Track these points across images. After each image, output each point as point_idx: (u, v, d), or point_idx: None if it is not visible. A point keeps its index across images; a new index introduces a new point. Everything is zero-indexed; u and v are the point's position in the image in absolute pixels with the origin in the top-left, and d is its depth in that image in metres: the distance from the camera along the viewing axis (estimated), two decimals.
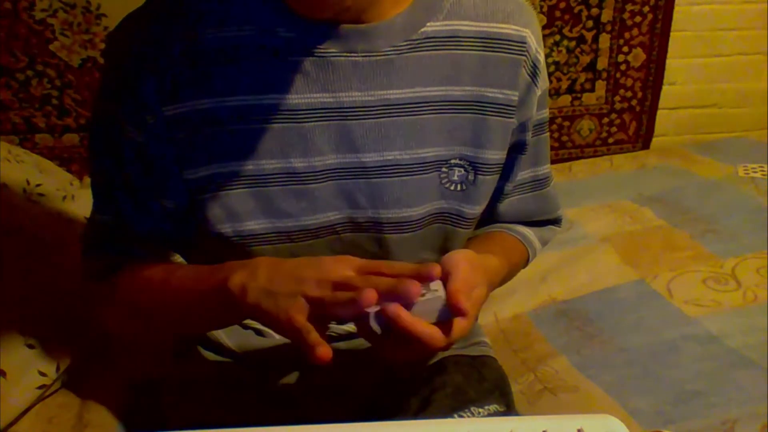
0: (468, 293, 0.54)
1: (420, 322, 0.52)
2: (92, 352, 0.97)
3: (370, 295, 0.51)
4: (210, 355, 0.77)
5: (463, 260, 0.57)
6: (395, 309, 0.51)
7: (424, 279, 0.54)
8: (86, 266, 0.71)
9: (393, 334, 0.53)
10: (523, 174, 0.74)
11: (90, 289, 0.72)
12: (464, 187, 0.68)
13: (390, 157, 0.64)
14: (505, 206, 0.75)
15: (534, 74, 0.68)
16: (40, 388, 0.87)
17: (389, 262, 0.57)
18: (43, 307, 0.95)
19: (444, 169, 0.67)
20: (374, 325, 0.53)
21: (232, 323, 0.71)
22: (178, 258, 0.77)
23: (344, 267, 0.55)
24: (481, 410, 0.73)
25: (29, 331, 0.90)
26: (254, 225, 0.64)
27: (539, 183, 0.77)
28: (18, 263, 0.98)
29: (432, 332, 0.53)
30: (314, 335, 0.53)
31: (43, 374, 0.87)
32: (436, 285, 0.55)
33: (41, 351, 0.89)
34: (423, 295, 0.54)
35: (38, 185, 1.17)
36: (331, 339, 0.72)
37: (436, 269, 0.54)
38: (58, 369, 0.90)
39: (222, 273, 0.58)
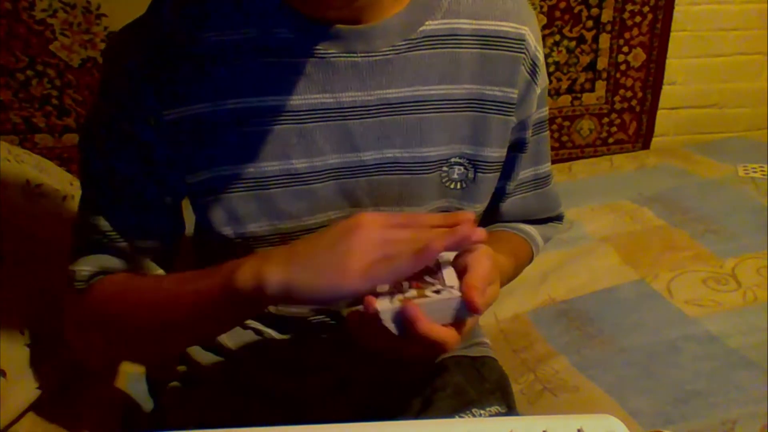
0: (483, 290, 0.53)
1: (436, 326, 0.51)
2: None
3: (439, 244, 0.51)
4: (209, 356, 0.77)
5: (484, 255, 0.55)
6: (414, 312, 0.50)
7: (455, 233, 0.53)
8: (71, 274, 0.66)
9: (407, 335, 0.52)
10: (524, 173, 0.74)
11: (67, 299, 0.68)
12: (464, 185, 0.68)
13: (389, 155, 0.64)
14: (507, 206, 0.75)
15: (533, 72, 0.68)
16: (40, 388, 0.87)
17: (413, 215, 0.57)
18: (43, 307, 0.95)
19: (444, 168, 0.67)
20: (391, 325, 0.52)
21: (239, 322, 0.67)
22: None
23: (374, 228, 0.53)
24: (482, 411, 0.73)
25: (29, 331, 0.90)
26: (256, 227, 0.64)
27: (541, 181, 0.77)
28: (18, 263, 0.98)
29: (447, 335, 0.52)
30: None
31: (43, 374, 0.87)
32: (451, 279, 0.54)
33: (41, 351, 0.89)
34: (438, 291, 0.53)
35: (38, 185, 1.16)
36: (330, 338, 0.73)
37: (468, 219, 0.54)
38: (58, 369, 0.89)
39: (222, 273, 0.56)
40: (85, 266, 0.65)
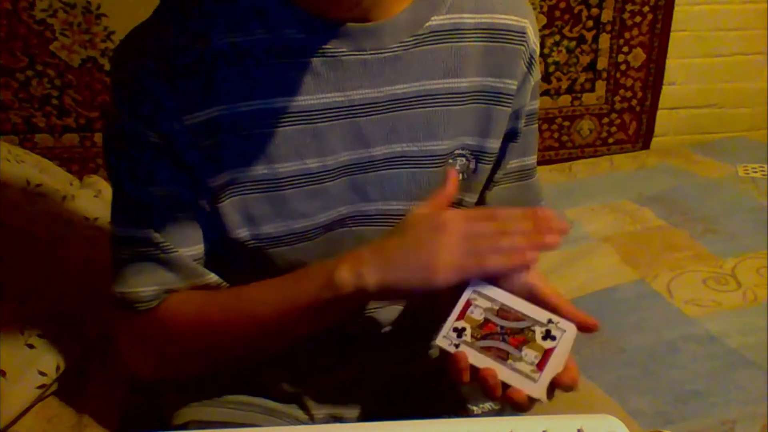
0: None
1: (575, 373, 0.55)
2: (92, 351, 0.97)
3: (530, 254, 0.56)
4: None
5: (540, 278, 0.59)
6: (572, 378, 0.54)
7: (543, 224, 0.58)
8: (127, 295, 0.63)
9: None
10: (512, 163, 0.75)
11: (123, 321, 0.66)
12: (465, 177, 0.69)
13: (398, 149, 0.65)
14: (492, 195, 0.75)
15: (530, 64, 0.69)
16: (40, 388, 0.87)
17: (493, 210, 0.61)
18: (43, 306, 0.95)
19: (449, 160, 0.67)
20: (545, 396, 0.52)
21: (342, 319, 0.65)
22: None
23: (459, 223, 0.57)
24: (475, 408, 0.73)
25: (29, 331, 0.90)
26: (271, 228, 0.63)
27: (526, 173, 0.77)
28: (18, 263, 0.98)
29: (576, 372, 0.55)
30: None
31: (43, 374, 0.87)
32: (538, 313, 0.55)
33: (41, 351, 0.89)
34: (549, 335, 0.54)
35: (38, 185, 1.17)
36: (329, 339, 0.73)
37: (546, 217, 0.59)
38: (58, 369, 0.89)
39: (318, 278, 0.59)
40: (144, 286, 0.63)
